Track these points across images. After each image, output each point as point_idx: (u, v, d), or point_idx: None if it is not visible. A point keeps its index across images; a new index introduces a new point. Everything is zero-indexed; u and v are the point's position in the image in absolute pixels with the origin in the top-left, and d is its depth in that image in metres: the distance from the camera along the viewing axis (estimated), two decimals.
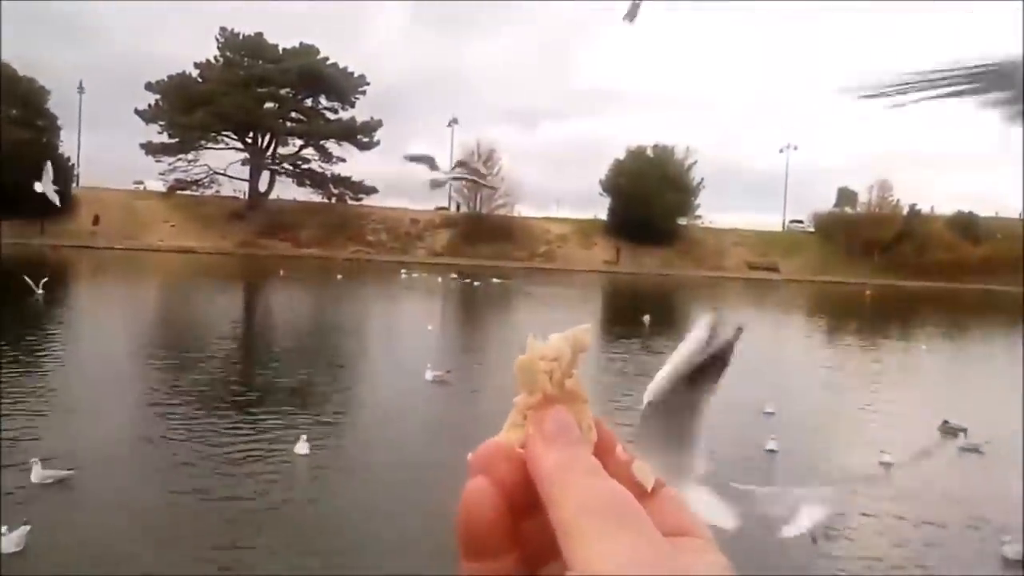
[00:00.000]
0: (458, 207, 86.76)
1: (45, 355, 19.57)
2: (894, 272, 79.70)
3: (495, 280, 50.53)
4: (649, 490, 0.47)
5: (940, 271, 78.52)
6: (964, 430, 15.38)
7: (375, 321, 32.87)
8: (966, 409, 17.17)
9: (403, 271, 44.79)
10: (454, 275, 53.40)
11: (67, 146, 75.53)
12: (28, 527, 8.25)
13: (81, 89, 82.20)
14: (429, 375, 17.82)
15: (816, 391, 20.98)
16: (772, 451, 13.54)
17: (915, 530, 10.59)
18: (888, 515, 10.95)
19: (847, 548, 9.72)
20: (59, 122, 73.54)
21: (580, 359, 0.48)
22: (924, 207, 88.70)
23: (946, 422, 15.95)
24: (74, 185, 74.36)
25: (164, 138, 77.54)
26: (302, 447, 11.78)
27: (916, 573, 9.27)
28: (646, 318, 31.94)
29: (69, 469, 10.27)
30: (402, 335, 27.09)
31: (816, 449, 14.65)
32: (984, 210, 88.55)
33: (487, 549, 0.45)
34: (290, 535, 9.02)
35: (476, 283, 49.34)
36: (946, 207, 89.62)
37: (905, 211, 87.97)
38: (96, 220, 68.88)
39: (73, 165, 75.86)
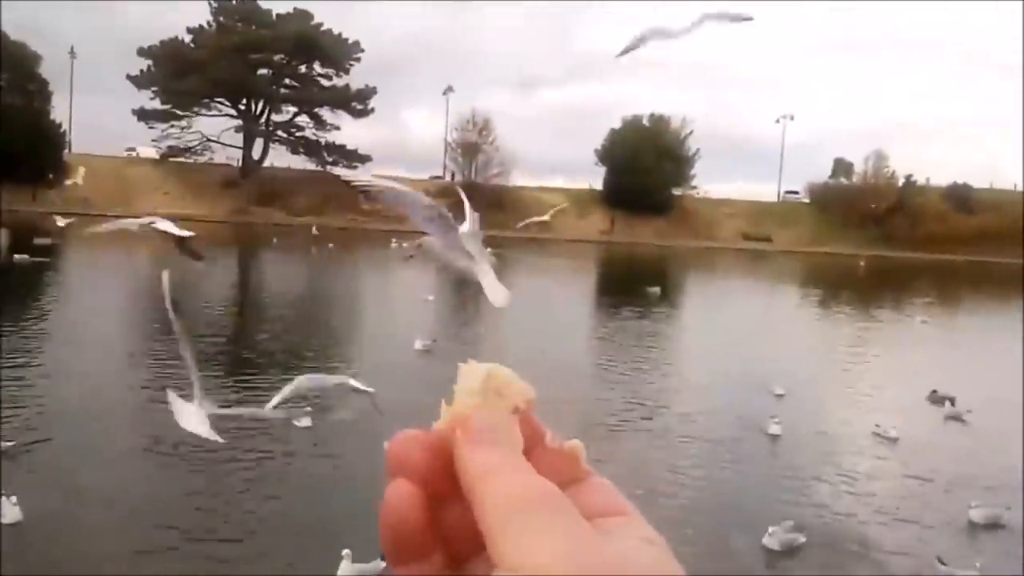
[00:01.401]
0: (452, 176, 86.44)
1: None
2: (888, 243, 79.80)
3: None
4: (581, 468, 0.47)
5: (934, 243, 78.57)
6: (952, 399, 15.54)
7: (367, 293, 32.90)
8: (956, 379, 17.33)
9: (394, 240, 44.49)
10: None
11: (59, 112, 74.89)
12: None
13: (73, 54, 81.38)
14: (418, 344, 18.02)
15: (808, 361, 21.10)
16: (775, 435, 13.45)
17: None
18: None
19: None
20: (50, 87, 72.84)
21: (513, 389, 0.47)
22: (919, 178, 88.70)
23: (935, 391, 16.11)
24: (66, 151, 73.83)
25: (157, 104, 76.92)
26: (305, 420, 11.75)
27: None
28: (655, 290, 32.16)
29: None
30: (397, 306, 27.17)
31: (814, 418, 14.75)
32: (979, 181, 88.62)
33: (414, 552, 0.45)
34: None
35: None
36: (941, 178, 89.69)
37: (900, 182, 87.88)
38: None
39: (65, 131, 75.26)
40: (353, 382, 8.43)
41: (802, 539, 8.74)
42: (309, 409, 11.87)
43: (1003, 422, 14.52)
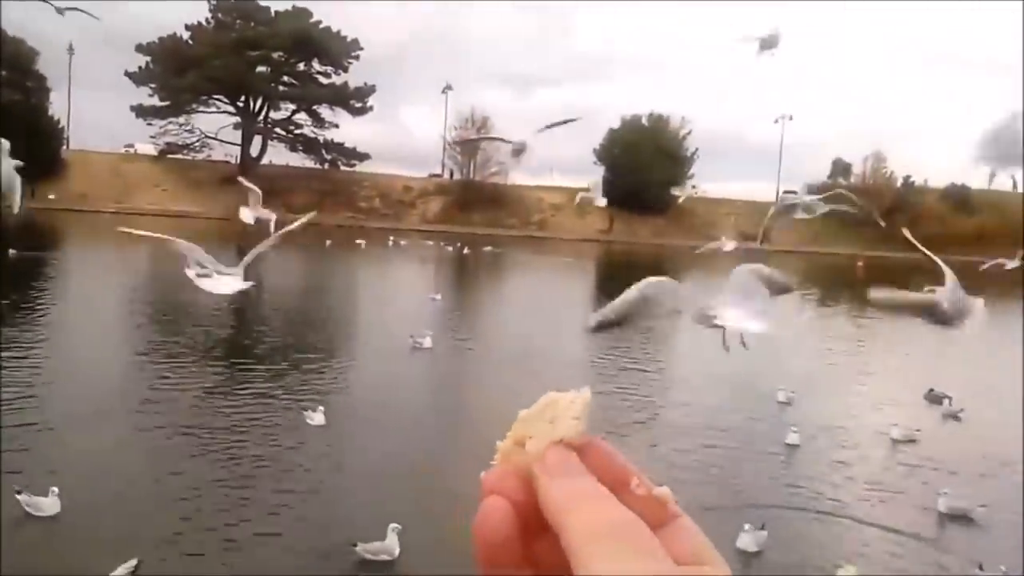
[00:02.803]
0: (451, 174, 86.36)
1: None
2: (886, 244, 79.83)
3: (487, 249, 50.42)
4: (669, 511, 0.47)
5: (932, 243, 78.13)
6: (949, 398, 15.58)
7: (372, 290, 32.87)
8: (952, 378, 17.36)
9: (391, 239, 44.44)
10: (430, 241, 53.32)
11: (57, 108, 74.73)
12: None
13: (71, 50, 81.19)
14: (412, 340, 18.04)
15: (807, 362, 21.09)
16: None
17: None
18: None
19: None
20: (48, 83, 72.65)
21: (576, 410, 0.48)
22: (918, 179, 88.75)
23: (932, 390, 16.14)
24: (64, 148, 73.67)
25: (155, 101, 76.79)
26: (318, 417, 11.72)
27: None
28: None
29: None
30: (397, 304, 27.12)
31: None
32: (977, 182, 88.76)
33: (503, 563, 0.46)
34: None
35: (466, 250, 49.11)
36: (940, 179, 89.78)
37: (899, 183, 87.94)
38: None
39: (63, 128, 75.09)
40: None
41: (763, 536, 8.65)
42: (322, 408, 11.84)
43: (1001, 418, 14.67)
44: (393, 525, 7.84)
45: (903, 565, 8.82)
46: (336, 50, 78.67)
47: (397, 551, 7.79)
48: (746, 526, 8.64)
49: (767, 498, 10.43)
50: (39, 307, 20.95)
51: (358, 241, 48.04)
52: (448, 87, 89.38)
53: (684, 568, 0.43)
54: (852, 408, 15.55)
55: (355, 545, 7.80)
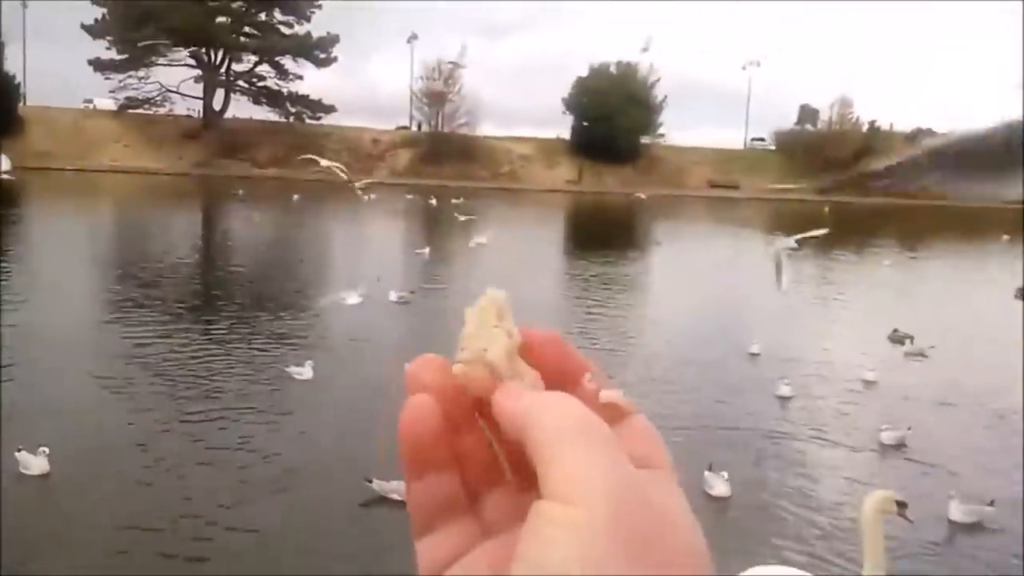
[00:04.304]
0: (419, 126, 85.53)
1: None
2: (853, 190, 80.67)
3: (455, 200, 50.16)
4: (622, 412, 0.47)
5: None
6: (911, 337, 16.01)
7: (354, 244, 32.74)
8: (916, 318, 17.79)
9: (359, 190, 44.21)
10: (410, 195, 53.01)
11: (12, 63, 72.63)
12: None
13: (24, 3, 78.58)
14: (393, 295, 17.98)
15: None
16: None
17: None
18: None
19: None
20: (1, 37, 70.52)
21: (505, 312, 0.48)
22: (884, 124, 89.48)
23: (896, 330, 16.54)
24: (20, 104, 71.83)
25: (113, 54, 74.89)
26: (307, 371, 11.75)
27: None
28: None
29: None
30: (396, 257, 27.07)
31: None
32: (942, 126, 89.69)
33: (431, 462, 0.46)
34: None
35: (433, 201, 48.78)
36: (905, 124, 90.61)
37: (865, 128, 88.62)
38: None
39: (19, 83, 73.08)
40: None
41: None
42: (311, 361, 11.81)
43: (963, 355, 15.21)
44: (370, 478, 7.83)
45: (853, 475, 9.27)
46: None
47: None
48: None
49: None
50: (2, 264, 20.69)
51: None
52: (414, 36, 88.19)
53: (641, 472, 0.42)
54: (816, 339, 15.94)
55: (370, 480, 7.85)
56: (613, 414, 0.46)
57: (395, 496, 7.56)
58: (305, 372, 11.63)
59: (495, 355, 0.46)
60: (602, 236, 34.04)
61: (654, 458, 0.45)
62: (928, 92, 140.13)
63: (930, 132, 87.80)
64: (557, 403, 0.42)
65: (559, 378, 0.47)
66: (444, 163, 77.53)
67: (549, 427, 0.41)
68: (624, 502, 0.38)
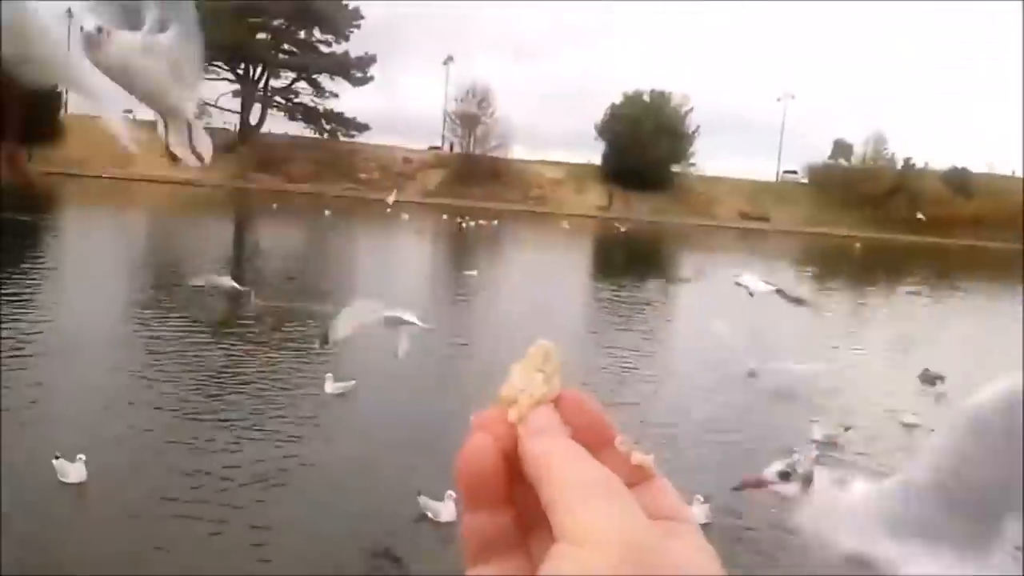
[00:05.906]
0: (451, 147, 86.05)
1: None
2: (885, 226, 79.82)
3: (482, 222, 50.26)
4: (648, 472, 0.49)
5: (931, 226, 78.62)
6: (942, 378, 15.70)
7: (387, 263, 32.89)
8: (948, 359, 17.46)
9: (388, 209, 44.27)
10: (444, 216, 53.22)
11: None
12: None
13: (69, 13, 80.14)
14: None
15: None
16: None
17: None
18: None
19: None
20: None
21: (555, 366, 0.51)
22: (919, 161, 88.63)
23: (926, 370, 16.24)
24: (62, 112, 73.20)
25: None
26: (330, 386, 11.69)
27: None
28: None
29: None
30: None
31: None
32: (978, 166, 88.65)
33: (487, 498, 0.47)
34: None
35: (464, 224, 48.92)
36: (941, 162, 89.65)
37: (899, 165, 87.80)
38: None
39: (61, 92, 74.47)
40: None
41: None
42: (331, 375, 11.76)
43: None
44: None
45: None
46: (337, 19, 78.06)
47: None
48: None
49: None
50: (35, 271, 20.96)
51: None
52: (449, 58, 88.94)
53: (657, 523, 0.43)
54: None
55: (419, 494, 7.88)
56: (639, 475, 0.48)
57: (429, 514, 7.69)
58: (348, 385, 11.66)
59: (524, 399, 0.48)
60: (630, 263, 33.84)
61: (678, 514, 0.47)
62: (964, 131, 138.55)
63: (965, 171, 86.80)
64: (566, 459, 0.44)
65: (587, 437, 0.48)
66: (474, 184, 77.88)
67: (558, 483, 0.43)
68: (638, 548, 0.39)
